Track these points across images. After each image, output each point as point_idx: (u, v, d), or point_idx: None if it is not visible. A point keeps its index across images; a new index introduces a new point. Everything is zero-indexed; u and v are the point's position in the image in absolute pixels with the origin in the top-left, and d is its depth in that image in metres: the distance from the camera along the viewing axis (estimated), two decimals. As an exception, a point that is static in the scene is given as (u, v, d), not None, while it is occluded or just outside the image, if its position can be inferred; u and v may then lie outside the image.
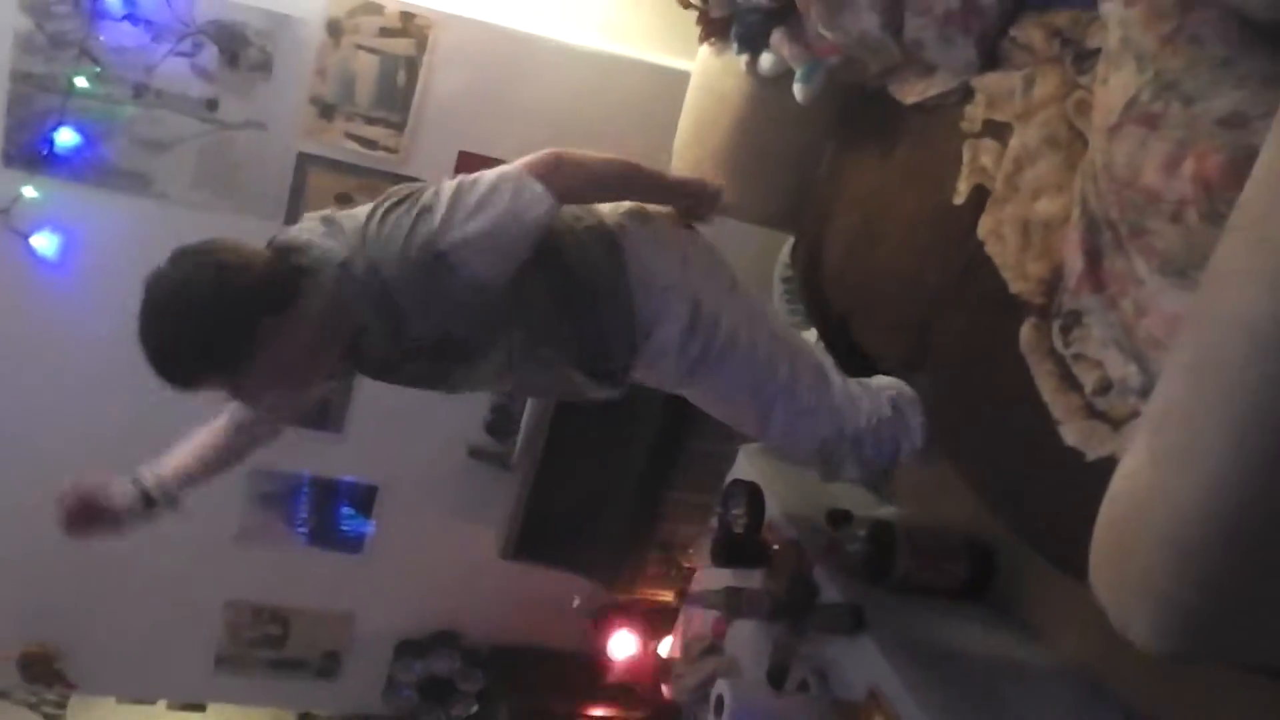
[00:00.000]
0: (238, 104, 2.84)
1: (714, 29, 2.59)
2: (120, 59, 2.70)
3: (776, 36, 2.36)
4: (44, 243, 2.83)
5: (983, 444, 1.86)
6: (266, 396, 1.84)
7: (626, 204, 2.08)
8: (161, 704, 4.41)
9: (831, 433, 2.10)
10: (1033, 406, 1.63)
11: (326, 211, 1.84)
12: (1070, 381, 1.59)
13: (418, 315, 1.75)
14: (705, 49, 2.69)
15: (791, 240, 2.94)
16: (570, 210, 1.95)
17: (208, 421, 2.10)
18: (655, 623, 3.47)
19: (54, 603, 3.33)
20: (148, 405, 3.03)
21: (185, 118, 2.81)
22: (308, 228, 1.80)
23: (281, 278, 1.70)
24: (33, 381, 3.07)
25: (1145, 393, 1.43)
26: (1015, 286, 1.72)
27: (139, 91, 2.76)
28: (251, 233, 2.73)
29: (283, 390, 1.86)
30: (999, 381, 1.74)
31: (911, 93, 2.17)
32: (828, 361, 2.18)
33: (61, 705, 3.75)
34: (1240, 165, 1.16)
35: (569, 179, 1.83)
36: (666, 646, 3.29)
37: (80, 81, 2.68)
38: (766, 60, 2.44)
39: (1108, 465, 1.46)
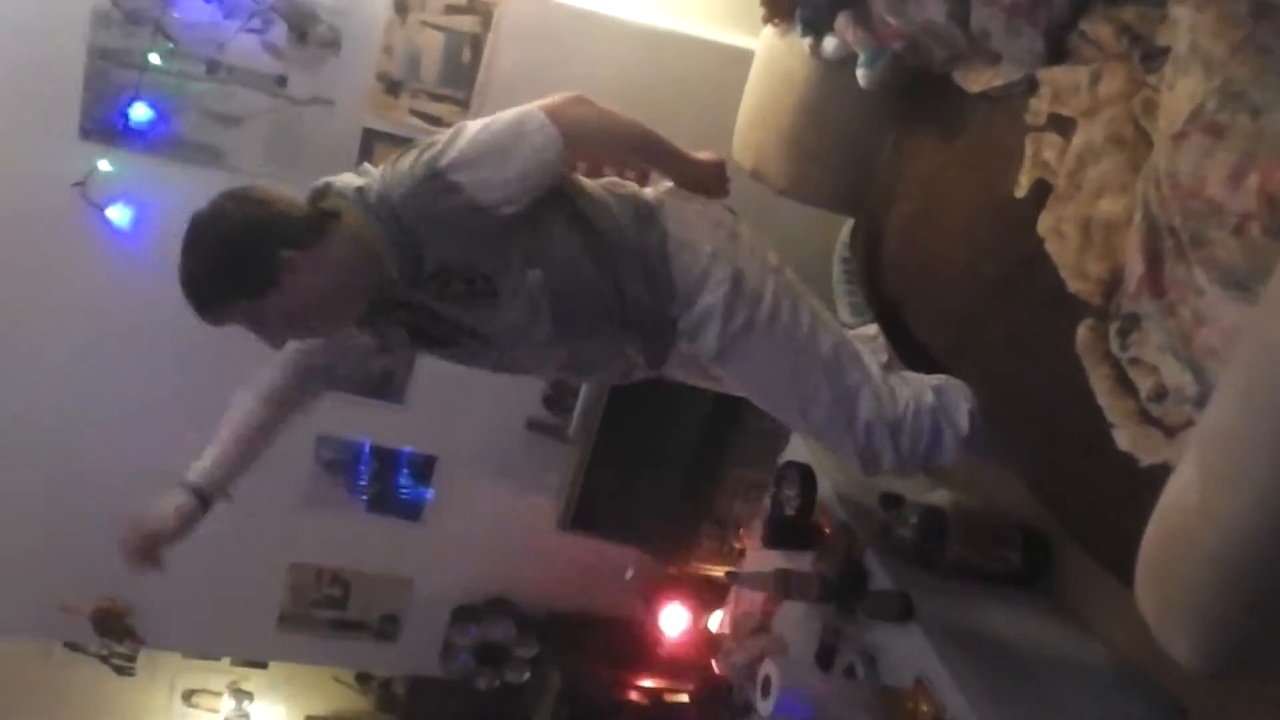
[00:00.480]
0: (306, 80, 2.89)
1: (778, 10, 2.57)
2: (193, 35, 2.76)
3: (841, 20, 2.34)
4: (119, 214, 2.91)
5: (1033, 441, 1.85)
6: (288, 335, 1.93)
7: (668, 183, 2.14)
8: (225, 660, 4.58)
9: (871, 416, 2.08)
10: (1086, 407, 1.62)
11: (364, 165, 1.94)
12: (1125, 385, 1.58)
13: (426, 240, 1.80)
14: (769, 29, 2.67)
15: (851, 222, 2.93)
16: (605, 183, 2.05)
17: (236, 404, 2.16)
18: (707, 596, 3.51)
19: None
20: (215, 372, 3.16)
21: (256, 93, 2.86)
22: (341, 176, 1.89)
23: (309, 217, 1.81)
24: (106, 348, 3.17)
25: (1200, 403, 1.42)
26: (1073, 286, 1.71)
27: (211, 67, 2.81)
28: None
29: (305, 330, 1.93)
30: (1052, 380, 1.74)
31: (977, 81, 2.14)
32: (867, 351, 2.15)
33: (131, 659, 3.89)
34: (1306, 183, 1.15)
35: (580, 120, 1.90)
36: (716, 621, 3.33)
37: (154, 58, 2.74)
38: (830, 43, 2.42)
39: (1160, 472, 1.46)
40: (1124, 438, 1.55)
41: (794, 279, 2.12)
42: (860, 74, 2.35)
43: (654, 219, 2.01)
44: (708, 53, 3.08)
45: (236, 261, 1.76)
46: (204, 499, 2.09)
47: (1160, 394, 1.51)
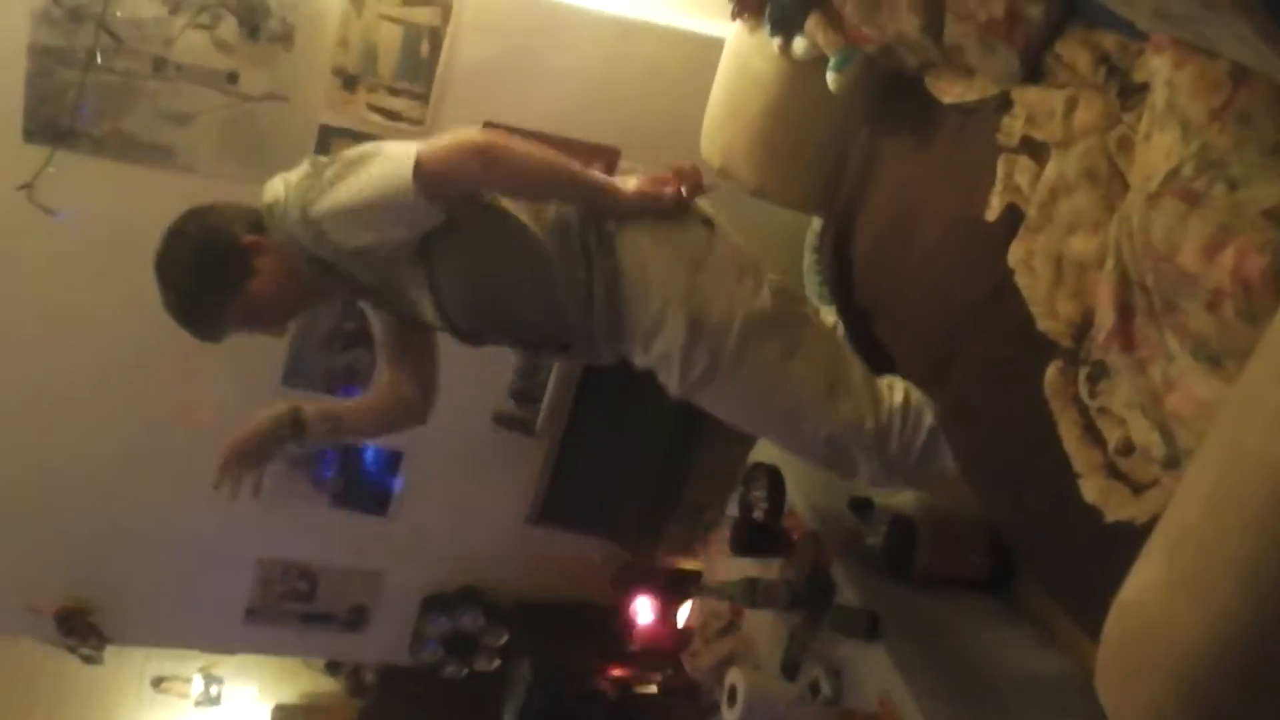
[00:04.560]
0: (259, 76, 2.78)
1: (747, 6, 2.49)
2: (139, 32, 2.65)
3: (811, 21, 2.27)
4: (69, 217, 2.81)
5: (1000, 478, 1.82)
6: (286, 319, 2.05)
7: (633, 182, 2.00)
8: (195, 648, 4.54)
9: (853, 436, 2.03)
10: (1053, 452, 1.59)
11: (325, 158, 1.94)
12: (1093, 434, 1.55)
13: (327, 260, 1.90)
14: (739, 24, 2.59)
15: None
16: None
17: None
18: (676, 587, 3.50)
19: (91, 558, 3.41)
20: (172, 369, 3.10)
21: (206, 90, 2.75)
22: (297, 170, 1.92)
23: (255, 210, 1.91)
24: (62, 350, 3.10)
25: (1168, 464, 1.39)
26: (1043, 324, 1.67)
27: (158, 65, 2.70)
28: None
29: (298, 308, 2.04)
30: (1021, 416, 1.70)
31: (949, 93, 2.09)
32: (854, 362, 2.09)
33: (99, 647, 3.84)
34: (1283, 272, 1.11)
35: (466, 174, 1.80)
36: (685, 613, 3.33)
37: (99, 56, 2.63)
38: (800, 44, 2.35)
39: (1125, 529, 1.44)
40: (1090, 489, 1.53)
41: (770, 294, 1.99)
42: (830, 78, 2.29)
43: (608, 251, 1.92)
44: (675, 42, 2.99)
45: (209, 267, 1.87)
46: (299, 420, 2.11)
47: (1128, 448, 1.48)
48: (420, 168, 1.74)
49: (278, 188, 1.90)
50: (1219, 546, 1.00)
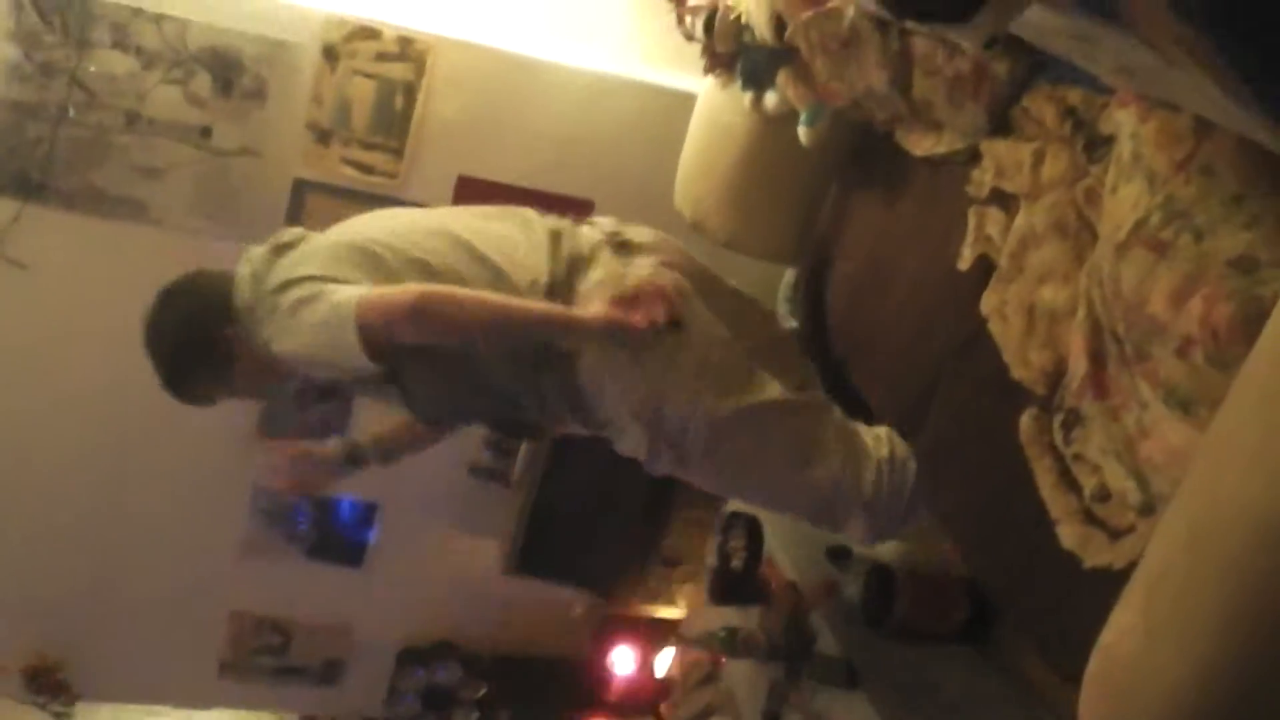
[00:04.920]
0: (232, 131, 2.79)
1: (719, 63, 2.53)
2: (111, 87, 2.65)
3: (782, 76, 2.30)
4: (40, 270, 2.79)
5: (977, 525, 1.83)
6: (267, 389, 2.22)
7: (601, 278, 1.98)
8: (167, 703, 4.46)
9: (829, 494, 2.05)
10: (1030, 498, 1.60)
11: (293, 234, 1.99)
12: (1069, 481, 1.56)
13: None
14: (710, 80, 2.63)
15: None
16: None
17: None
18: (655, 635, 3.48)
19: (59, 614, 3.35)
20: (141, 428, 3.07)
21: (179, 145, 2.76)
22: (255, 255, 1.96)
23: (217, 338, 1.94)
24: (31, 404, 3.06)
25: (1144, 511, 1.40)
26: (1016, 373, 1.69)
27: (131, 119, 2.70)
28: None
29: (280, 379, 2.08)
30: (998, 465, 1.71)
31: (919, 146, 2.12)
32: (828, 422, 2.10)
33: (69, 704, 3.77)
34: (1250, 319, 1.13)
35: (413, 336, 1.80)
36: (665, 662, 3.31)
37: (71, 110, 2.63)
38: (771, 99, 2.39)
39: (1104, 575, 1.44)
40: (1067, 536, 1.53)
41: (734, 397, 1.97)
42: (801, 132, 2.32)
43: (565, 369, 1.91)
44: (648, 96, 3.03)
45: (193, 353, 1.95)
46: (357, 453, 2.19)
47: (1103, 495, 1.49)
48: (363, 337, 1.76)
49: (244, 288, 1.92)
50: (1198, 589, 1.01)
